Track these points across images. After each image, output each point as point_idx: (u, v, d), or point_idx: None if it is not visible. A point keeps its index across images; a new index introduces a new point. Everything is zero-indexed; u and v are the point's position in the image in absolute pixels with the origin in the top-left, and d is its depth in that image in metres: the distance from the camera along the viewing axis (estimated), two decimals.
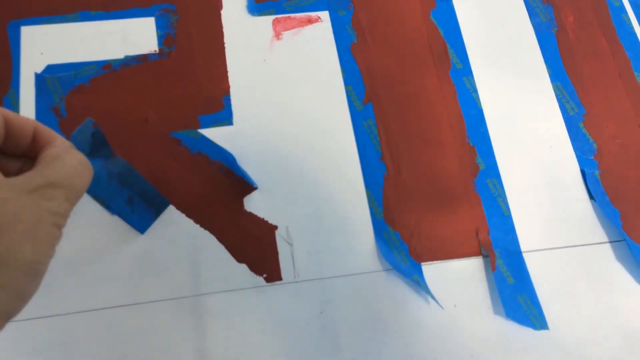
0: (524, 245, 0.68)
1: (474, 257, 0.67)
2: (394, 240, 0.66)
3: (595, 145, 0.73)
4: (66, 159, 0.40)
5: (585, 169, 0.72)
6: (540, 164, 0.72)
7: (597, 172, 0.72)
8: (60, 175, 0.39)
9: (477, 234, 0.67)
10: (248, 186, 0.66)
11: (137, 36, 0.72)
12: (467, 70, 0.76)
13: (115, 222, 0.64)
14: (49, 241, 0.38)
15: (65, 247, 0.61)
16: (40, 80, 0.68)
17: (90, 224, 0.64)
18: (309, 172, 0.68)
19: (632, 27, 0.81)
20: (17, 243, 0.36)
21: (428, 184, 0.69)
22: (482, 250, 0.66)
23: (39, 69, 0.70)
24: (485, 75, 0.76)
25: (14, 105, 0.67)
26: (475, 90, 0.75)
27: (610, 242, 0.69)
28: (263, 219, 0.66)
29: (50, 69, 0.70)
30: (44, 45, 0.71)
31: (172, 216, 0.65)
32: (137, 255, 0.63)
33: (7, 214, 0.36)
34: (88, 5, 0.73)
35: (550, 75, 0.77)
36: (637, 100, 0.76)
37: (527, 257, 0.68)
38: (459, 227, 0.68)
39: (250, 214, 0.66)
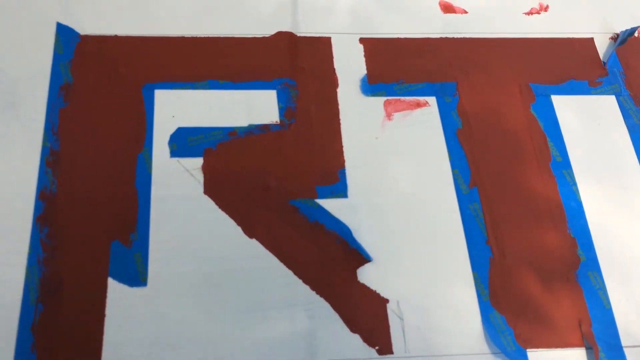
0: (624, 340, 0.68)
1: (578, 349, 0.68)
2: (500, 324, 0.68)
3: None
4: None
5: None
6: (639, 259, 0.73)
7: None
8: None
9: (579, 325, 0.69)
10: (362, 258, 0.68)
11: (260, 107, 0.76)
12: (567, 164, 0.79)
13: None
14: None
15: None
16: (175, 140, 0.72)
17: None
18: (418, 248, 0.71)
19: None
20: None
21: (532, 271, 0.72)
22: (585, 341, 0.67)
23: (171, 130, 0.73)
24: (583, 169, 0.79)
25: (147, 162, 0.71)
26: (575, 184, 0.78)
27: None
28: (375, 291, 0.68)
29: (180, 131, 0.73)
30: (176, 109, 0.75)
31: (290, 281, 0.67)
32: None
33: None
34: (217, 75, 0.78)
35: None
36: None
37: (627, 352, 0.68)
38: (562, 316, 0.70)
39: (364, 286, 0.68)
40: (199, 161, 0.72)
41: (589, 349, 0.67)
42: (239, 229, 0.69)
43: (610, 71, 0.87)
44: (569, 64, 0.87)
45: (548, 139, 0.80)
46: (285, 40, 0.82)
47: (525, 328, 0.68)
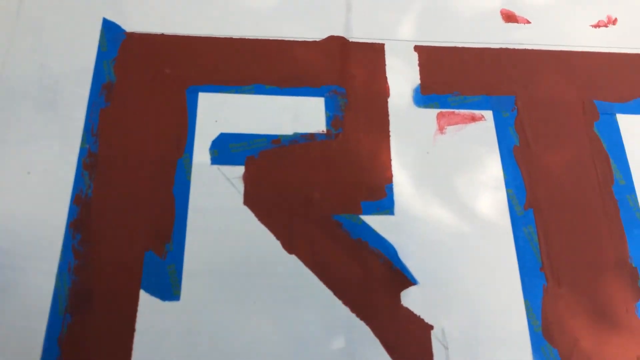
0: None
1: None
2: (552, 357, 0.63)
3: None
4: None
5: None
6: None
7: None
8: None
9: None
10: (407, 280, 0.64)
11: (307, 115, 0.73)
12: (631, 188, 0.74)
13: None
14: None
15: None
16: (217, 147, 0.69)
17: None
18: (467, 272, 0.67)
19: None
20: None
21: (589, 302, 0.67)
22: None
23: (213, 136, 0.70)
24: None
25: (187, 169, 0.68)
26: (639, 209, 0.72)
27: None
28: (419, 316, 0.64)
29: (223, 137, 0.70)
30: (219, 113, 0.72)
31: (329, 301, 0.63)
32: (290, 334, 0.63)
33: None
34: (263, 80, 0.75)
35: None
36: None
37: None
38: (620, 353, 0.65)
39: (407, 310, 0.64)
40: (240, 170, 0.69)
41: None
42: (278, 244, 0.65)
43: None
44: (637, 81, 0.80)
45: (611, 160, 0.75)
46: (337, 46, 0.78)
47: None
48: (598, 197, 0.73)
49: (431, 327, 0.63)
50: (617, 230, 0.71)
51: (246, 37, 0.78)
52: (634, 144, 0.77)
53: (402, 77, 0.78)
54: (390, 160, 0.72)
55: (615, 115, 0.79)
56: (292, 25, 0.80)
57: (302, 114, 0.73)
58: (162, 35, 0.77)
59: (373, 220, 0.68)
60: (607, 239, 0.70)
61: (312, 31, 0.79)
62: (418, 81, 0.78)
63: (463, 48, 0.81)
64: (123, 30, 0.77)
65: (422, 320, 0.64)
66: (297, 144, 0.71)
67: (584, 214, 0.71)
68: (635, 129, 0.78)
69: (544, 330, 0.65)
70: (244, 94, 0.74)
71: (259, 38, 0.78)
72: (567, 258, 0.69)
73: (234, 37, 0.78)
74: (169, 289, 0.62)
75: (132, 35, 0.77)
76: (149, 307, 0.61)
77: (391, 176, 0.71)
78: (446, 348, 0.62)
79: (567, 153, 0.75)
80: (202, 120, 0.72)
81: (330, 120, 0.73)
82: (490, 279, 0.67)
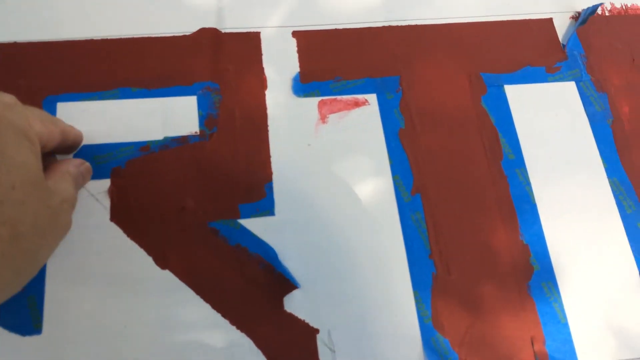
0: (581, 357, 0.62)
1: None
2: (443, 348, 0.61)
3: None
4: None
5: None
6: (596, 266, 0.67)
7: None
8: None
9: (532, 344, 0.62)
10: (289, 284, 0.61)
11: (178, 116, 0.68)
12: (520, 162, 0.72)
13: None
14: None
15: None
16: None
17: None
18: (353, 269, 0.64)
19: None
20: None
21: (480, 286, 0.65)
22: None
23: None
24: (537, 168, 0.72)
25: None
26: (529, 184, 0.70)
27: None
28: (304, 320, 0.61)
29: (85, 149, 0.65)
30: (81, 124, 0.67)
31: (208, 316, 0.60)
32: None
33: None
34: (129, 82, 0.70)
35: (606, 170, 0.73)
36: None
37: None
38: (513, 335, 0.63)
39: (291, 315, 0.61)
40: (106, 183, 0.63)
41: None
42: (149, 260, 0.61)
43: (570, 54, 0.79)
44: (525, 48, 0.79)
45: (500, 134, 0.73)
46: (209, 38, 0.74)
47: (472, 351, 0.62)
48: (487, 175, 0.70)
49: (317, 331, 0.61)
50: (507, 207, 0.69)
51: (109, 37, 0.72)
52: (522, 115, 0.76)
53: (280, 66, 0.74)
54: (269, 157, 0.68)
55: (502, 86, 0.77)
56: (159, 20, 0.75)
57: (172, 116, 0.69)
58: (15, 43, 0.70)
59: (253, 223, 0.65)
60: (498, 218, 0.68)
61: (182, 25, 0.75)
62: (297, 69, 0.73)
63: (344, 30, 0.78)
64: None
65: (307, 324, 0.61)
66: (168, 149, 0.67)
67: (473, 194, 0.69)
68: (522, 99, 0.77)
69: (434, 320, 0.63)
70: (107, 100, 0.69)
71: (123, 37, 0.72)
72: (457, 243, 0.67)
73: (95, 38, 0.72)
74: (28, 323, 0.58)
75: None
76: (6, 344, 0.57)
77: (271, 174, 0.67)
78: (333, 351, 0.60)
79: (455, 132, 0.73)
80: None
81: (203, 119, 0.69)
82: (379, 272, 0.64)
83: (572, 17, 0.83)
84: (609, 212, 0.71)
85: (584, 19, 0.82)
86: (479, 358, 0.62)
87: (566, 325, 0.65)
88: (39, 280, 0.61)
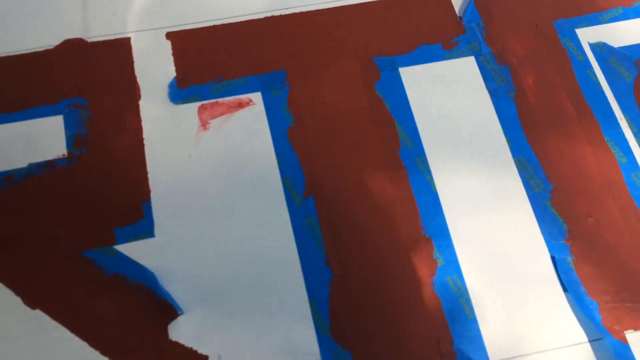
0: (492, 355, 0.58)
1: None
2: None
3: (565, 227, 0.64)
4: None
5: (556, 256, 0.63)
6: (506, 253, 0.64)
7: (569, 259, 0.63)
8: None
9: (438, 345, 0.57)
10: (172, 310, 0.56)
11: (43, 139, 0.63)
12: (419, 149, 0.67)
13: None
14: None
15: None
16: None
17: None
18: (243, 286, 0.60)
19: (599, 85, 0.73)
20: None
21: (380, 289, 0.61)
22: None
23: None
24: (438, 154, 0.68)
25: None
26: (429, 172, 0.66)
27: (589, 341, 0.60)
28: (191, 348, 0.56)
29: None
30: None
31: (87, 354, 0.55)
32: None
33: None
34: None
35: (511, 148, 0.68)
36: (609, 169, 0.67)
37: None
38: (419, 339, 0.60)
39: (177, 344, 0.57)
40: None
41: None
42: (18, 300, 0.55)
43: (468, 27, 0.74)
44: (420, 26, 0.75)
45: (396, 122, 0.69)
46: (74, 50, 0.68)
47: None
48: (384, 168, 0.67)
49: (206, 358, 0.55)
50: (407, 200, 0.66)
51: None
52: (420, 98, 0.72)
53: (154, 72, 0.69)
54: (146, 173, 0.63)
55: (397, 69, 0.72)
56: (18, 35, 0.68)
57: (36, 140, 0.64)
58: None
59: (131, 248, 0.61)
60: (398, 212, 0.65)
61: (44, 38, 0.68)
62: (174, 74, 0.67)
63: (223, 25, 0.73)
64: None
65: (195, 351, 0.58)
66: (34, 177, 0.62)
67: (370, 191, 0.65)
68: (419, 81, 0.73)
69: (333, 332, 0.59)
70: None
71: None
72: (355, 245, 0.63)
73: None
74: None
75: None
76: None
77: (149, 192, 0.62)
78: None
79: (348, 124, 0.68)
80: None
81: (71, 140, 0.64)
82: (271, 286, 0.61)
83: None
84: (515, 194, 0.69)
85: None
86: None
87: (474, 320, 0.62)
88: None
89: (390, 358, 0.60)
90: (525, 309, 0.62)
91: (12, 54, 0.68)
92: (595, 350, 0.61)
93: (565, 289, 0.63)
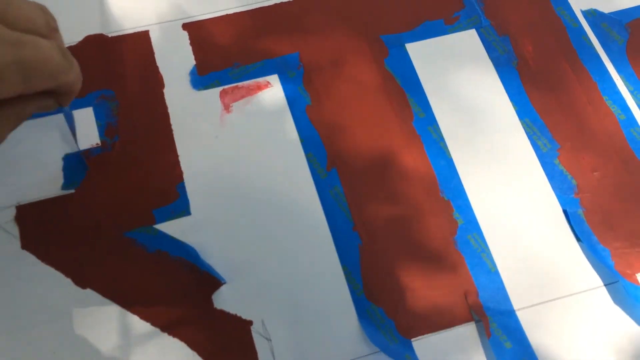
0: (516, 303, 0.62)
1: (467, 324, 0.62)
2: (378, 317, 0.61)
3: (574, 182, 0.69)
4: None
5: (568, 209, 0.67)
6: (520, 209, 0.68)
7: (580, 211, 0.67)
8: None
9: (466, 298, 0.62)
10: (216, 281, 0.60)
11: (77, 130, 0.65)
12: (431, 119, 0.71)
13: None
14: None
15: None
16: None
17: None
18: (278, 255, 0.64)
19: (593, 49, 0.77)
20: None
21: (406, 250, 0.65)
22: (473, 314, 0.61)
23: None
24: (449, 120, 0.72)
25: None
26: (442, 139, 0.70)
27: (605, 285, 0.64)
28: (236, 314, 0.60)
29: None
30: None
31: (137, 328, 0.58)
32: None
33: None
34: None
35: (517, 112, 0.73)
36: (610, 126, 0.72)
37: (520, 315, 0.62)
38: (446, 293, 0.63)
39: (222, 312, 0.61)
40: (11, 211, 0.61)
41: (479, 321, 0.60)
42: (69, 281, 0.59)
43: (467, 2, 0.80)
44: (421, 3, 0.80)
45: (407, 95, 0.73)
46: (96, 45, 0.71)
47: (407, 316, 0.63)
48: (400, 138, 0.71)
49: (250, 323, 0.60)
50: (424, 165, 0.70)
51: None
52: (427, 71, 0.76)
53: (174, 61, 0.72)
54: (177, 156, 0.67)
55: (404, 46, 0.76)
56: None
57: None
58: None
59: (170, 227, 0.64)
60: (416, 178, 0.69)
61: (66, 35, 0.71)
62: (193, 62, 0.71)
63: (235, 14, 0.76)
64: None
65: (240, 318, 0.61)
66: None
67: (389, 160, 0.70)
68: (426, 55, 0.77)
69: (367, 291, 0.63)
70: None
71: None
72: (378, 211, 0.67)
73: None
74: None
75: None
76: None
77: (181, 173, 0.66)
78: (269, 340, 0.60)
79: (362, 99, 0.72)
80: None
81: (103, 129, 0.67)
82: (304, 253, 0.64)
83: None
84: (525, 154, 0.72)
85: None
86: (415, 321, 0.62)
87: (497, 273, 0.65)
88: None
89: (420, 312, 0.63)
90: (543, 259, 0.66)
91: None
92: (610, 292, 0.65)
93: (578, 239, 0.67)
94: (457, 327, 0.63)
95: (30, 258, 0.62)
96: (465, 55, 0.77)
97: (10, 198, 0.64)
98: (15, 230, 0.63)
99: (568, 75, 0.76)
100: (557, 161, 0.71)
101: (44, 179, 0.65)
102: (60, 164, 0.67)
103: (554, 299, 0.64)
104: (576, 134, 0.73)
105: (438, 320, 0.63)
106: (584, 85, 0.76)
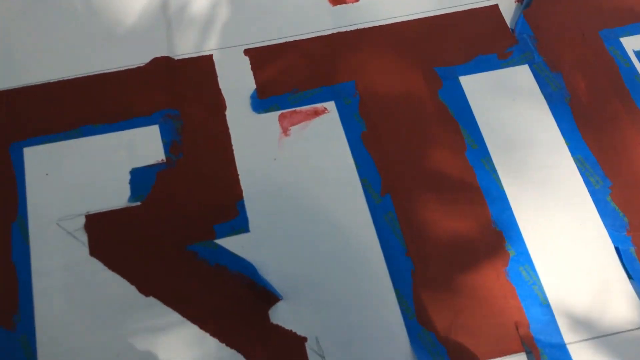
0: (566, 336, 0.63)
1: (517, 355, 0.63)
2: (430, 342, 0.62)
3: (626, 219, 0.70)
4: None
5: (620, 247, 0.68)
6: (572, 245, 0.68)
7: (632, 249, 0.68)
8: None
9: (516, 328, 0.63)
10: (272, 297, 0.62)
11: (143, 146, 0.69)
12: (484, 151, 0.73)
13: None
14: None
15: None
16: None
17: None
18: (333, 275, 0.65)
19: None
20: None
21: (459, 278, 0.66)
22: (524, 345, 0.61)
23: (46, 191, 0.67)
24: (502, 154, 0.74)
25: (23, 232, 0.63)
26: (495, 171, 0.72)
27: None
28: (291, 330, 0.62)
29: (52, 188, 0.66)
30: (48, 166, 0.67)
31: (196, 337, 0.60)
32: None
33: None
34: (91, 119, 0.71)
35: (570, 147, 0.74)
36: None
37: (571, 348, 0.62)
38: (497, 322, 0.65)
39: (277, 327, 0.62)
40: (81, 220, 0.63)
41: (530, 353, 0.61)
42: (133, 289, 0.61)
43: (520, 38, 0.81)
44: (474, 38, 0.81)
45: (461, 126, 0.74)
46: (163, 67, 0.75)
47: (459, 342, 0.63)
48: (453, 168, 0.72)
49: (305, 339, 0.62)
50: (476, 197, 0.71)
51: (65, 79, 0.73)
52: (480, 104, 0.77)
53: (236, 85, 0.75)
54: (237, 175, 0.69)
55: (458, 78, 0.78)
56: (112, 56, 0.75)
57: (137, 147, 0.70)
58: None
59: (229, 242, 0.66)
60: (468, 208, 0.70)
61: (135, 57, 0.75)
62: (254, 86, 0.74)
63: (294, 42, 0.79)
64: None
65: (295, 334, 0.62)
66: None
67: (442, 188, 0.71)
68: (479, 88, 0.78)
69: (419, 316, 0.64)
70: (72, 139, 0.69)
71: (80, 76, 0.73)
72: (431, 238, 0.68)
73: (51, 81, 0.72)
74: None
75: None
76: None
77: (241, 192, 0.68)
78: (323, 357, 0.61)
79: (416, 128, 0.74)
80: (31, 177, 0.69)
81: (168, 147, 0.70)
82: (358, 275, 0.65)
83: (517, 1, 0.84)
84: (577, 190, 0.73)
85: (529, 1, 0.83)
86: (467, 348, 0.63)
87: (548, 306, 0.66)
88: (28, 322, 0.63)
89: (471, 340, 0.64)
90: (594, 294, 0.67)
91: (108, 71, 0.74)
92: None
93: (630, 277, 0.67)
94: (507, 357, 0.63)
95: (98, 265, 0.64)
96: (517, 90, 0.78)
97: (80, 207, 0.66)
98: (84, 237, 0.65)
99: (621, 115, 0.77)
100: (609, 198, 0.72)
101: (112, 191, 0.67)
102: (127, 177, 0.67)
103: (604, 335, 0.65)
104: (628, 172, 0.74)
105: (489, 350, 0.64)
106: (636, 124, 0.77)
